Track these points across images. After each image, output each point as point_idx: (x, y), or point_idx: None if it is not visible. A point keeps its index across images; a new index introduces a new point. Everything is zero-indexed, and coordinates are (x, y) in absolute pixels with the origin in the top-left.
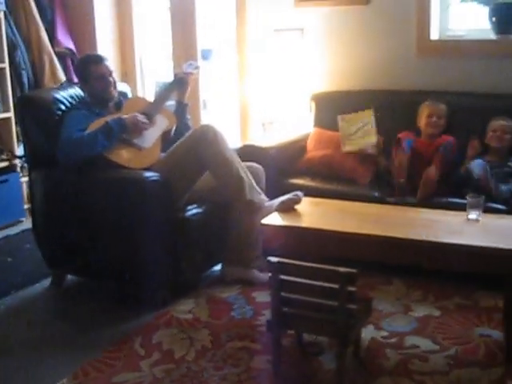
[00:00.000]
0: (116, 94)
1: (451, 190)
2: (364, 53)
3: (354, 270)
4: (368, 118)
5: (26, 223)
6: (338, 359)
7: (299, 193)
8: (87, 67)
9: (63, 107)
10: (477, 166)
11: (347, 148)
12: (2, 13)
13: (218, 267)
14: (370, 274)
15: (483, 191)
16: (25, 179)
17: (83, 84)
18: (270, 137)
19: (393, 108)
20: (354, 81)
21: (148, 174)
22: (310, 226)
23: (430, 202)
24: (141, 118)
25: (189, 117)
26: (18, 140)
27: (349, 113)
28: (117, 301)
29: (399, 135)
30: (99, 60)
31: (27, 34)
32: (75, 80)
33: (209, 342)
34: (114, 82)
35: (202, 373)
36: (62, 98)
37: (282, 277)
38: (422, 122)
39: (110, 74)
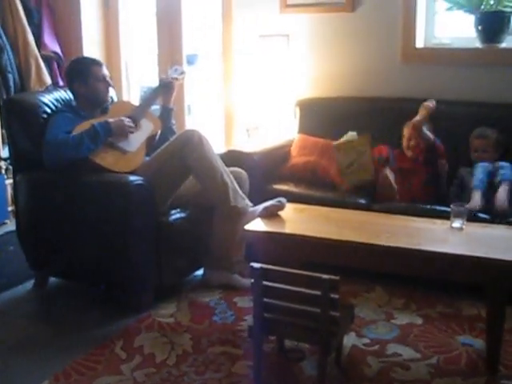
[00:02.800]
0: (109, 100)
1: (436, 191)
2: (349, 60)
3: (336, 277)
4: (364, 146)
5: (10, 225)
6: (319, 366)
7: (283, 199)
8: (89, 67)
9: (49, 110)
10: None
11: (347, 185)
12: None
13: (200, 272)
14: (352, 281)
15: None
16: (9, 181)
17: (80, 83)
18: (255, 142)
19: (377, 115)
20: (339, 87)
21: (132, 177)
22: (294, 232)
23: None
24: (126, 121)
25: (174, 121)
26: (3, 142)
27: (332, 121)
28: (99, 304)
29: (377, 153)
30: (101, 63)
31: (14, 38)
32: (61, 83)
33: (190, 347)
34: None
35: (182, 377)
36: (47, 102)
37: (265, 283)
38: (404, 143)
39: (109, 78)
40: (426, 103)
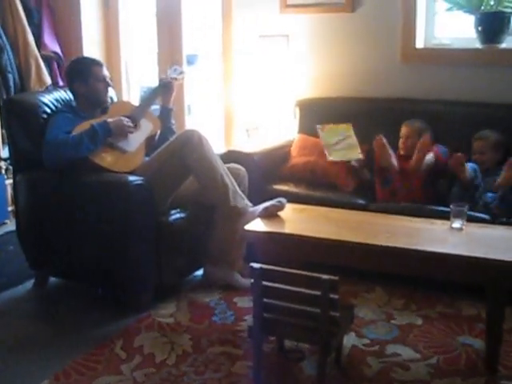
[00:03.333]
0: (109, 100)
1: (436, 192)
2: (349, 60)
3: (336, 278)
4: (348, 131)
5: (10, 225)
6: (319, 366)
7: (283, 200)
8: (89, 67)
9: (49, 110)
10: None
11: (332, 157)
12: None
13: (199, 272)
14: (352, 282)
15: (468, 192)
16: (9, 181)
17: (80, 83)
18: (255, 142)
19: (377, 115)
20: (338, 88)
21: (132, 177)
22: (293, 232)
23: (414, 208)
24: (125, 121)
25: (173, 121)
26: (4, 142)
27: (331, 121)
28: (99, 304)
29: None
30: (101, 64)
31: (14, 38)
32: (61, 83)
33: (190, 347)
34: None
35: (182, 377)
36: (47, 102)
37: (265, 283)
38: (400, 143)
39: (109, 79)
40: (422, 142)
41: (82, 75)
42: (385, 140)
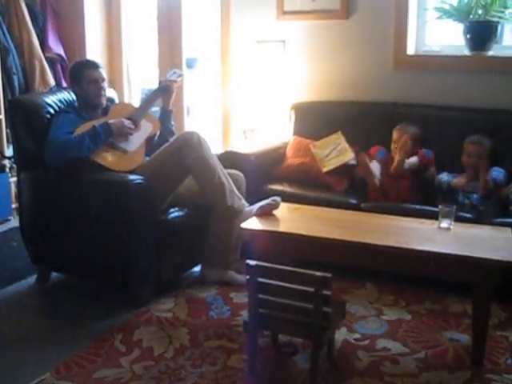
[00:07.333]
0: (105, 102)
1: (424, 194)
2: (343, 65)
3: (328, 275)
4: (338, 139)
5: (14, 222)
6: (311, 360)
7: (277, 198)
8: (82, 70)
9: (52, 111)
10: (446, 175)
11: (327, 168)
12: None
13: (197, 268)
14: (344, 278)
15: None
16: (13, 179)
17: (75, 86)
18: (251, 144)
19: (369, 119)
20: (332, 92)
21: (132, 176)
22: (287, 230)
23: (404, 207)
24: (126, 122)
25: (173, 123)
26: (8, 141)
27: (325, 124)
28: (99, 298)
29: (370, 152)
30: (95, 66)
31: (19, 40)
32: (64, 85)
33: (187, 341)
34: (104, 90)
35: (180, 370)
36: (51, 102)
37: (260, 279)
38: (392, 146)
39: (103, 80)
40: (402, 142)
41: (76, 78)
42: (367, 159)
